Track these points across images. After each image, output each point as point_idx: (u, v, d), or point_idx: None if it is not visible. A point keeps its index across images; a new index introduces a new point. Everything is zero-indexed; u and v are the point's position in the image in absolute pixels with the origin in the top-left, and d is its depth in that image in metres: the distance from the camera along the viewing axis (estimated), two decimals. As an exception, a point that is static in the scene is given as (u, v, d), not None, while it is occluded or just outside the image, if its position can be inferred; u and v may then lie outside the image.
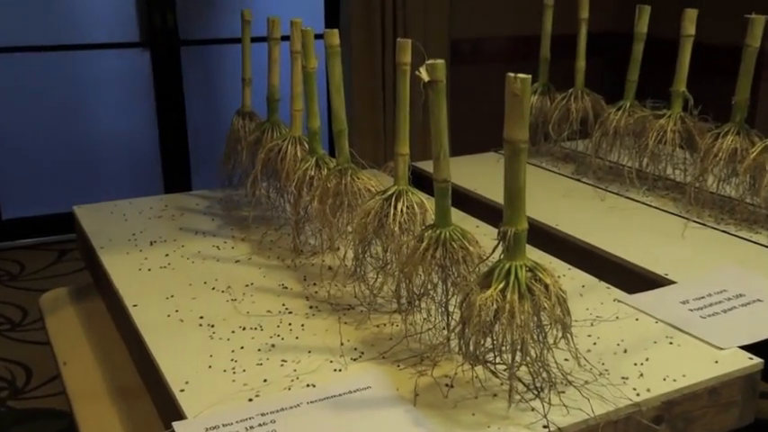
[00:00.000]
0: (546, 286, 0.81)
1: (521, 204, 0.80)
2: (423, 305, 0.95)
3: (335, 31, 1.09)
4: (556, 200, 1.52)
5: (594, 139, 1.60)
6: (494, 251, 0.84)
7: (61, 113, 3.23)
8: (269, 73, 1.43)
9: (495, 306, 0.79)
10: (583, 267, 1.20)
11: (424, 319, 0.97)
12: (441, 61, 0.85)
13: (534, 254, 1.04)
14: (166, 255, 1.27)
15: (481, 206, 1.50)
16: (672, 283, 1.14)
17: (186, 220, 1.44)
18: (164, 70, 3.17)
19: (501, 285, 0.80)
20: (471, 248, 0.91)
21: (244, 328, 1.02)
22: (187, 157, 3.26)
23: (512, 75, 0.75)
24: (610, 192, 1.54)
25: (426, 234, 0.92)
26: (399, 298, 0.97)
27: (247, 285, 1.15)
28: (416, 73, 0.86)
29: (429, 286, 0.92)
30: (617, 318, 1.04)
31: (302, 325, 1.03)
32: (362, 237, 1.03)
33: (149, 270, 1.22)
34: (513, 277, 0.80)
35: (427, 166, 1.67)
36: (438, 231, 0.91)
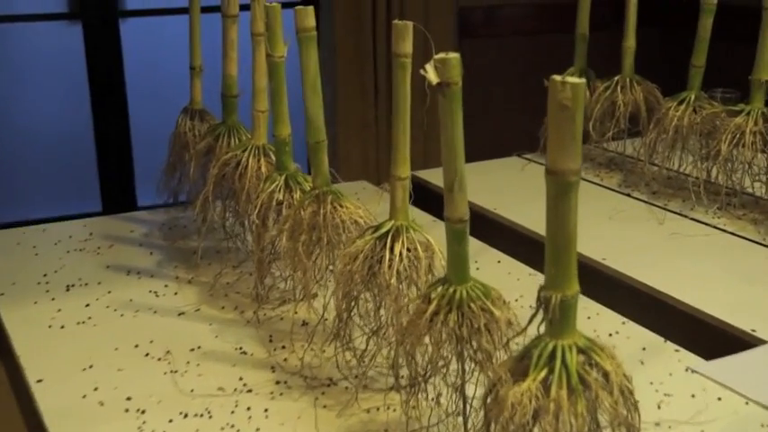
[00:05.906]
0: (605, 375, 0.69)
1: (570, 261, 0.68)
2: (431, 383, 0.85)
3: (310, 8, 0.98)
4: (600, 223, 1.42)
5: (648, 141, 1.51)
6: (530, 323, 0.73)
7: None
8: (224, 59, 1.33)
9: (534, 404, 0.68)
10: (641, 320, 1.11)
11: (432, 400, 0.86)
12: (455, 55, 0.73)
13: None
14: (87, 305, 1.17)
15: (503, 232, 1.41)
16: (763, 343, 1.04)
17: (116, 255, 1.33)
18: (99, 48, 3.07)
19: (542, 374, 0.69)
20: (497, 312, 0.80)
21: (185, 415, 0.93)
22: (130, 160, 3.15)
23: (558, 78, 0.63)
24: (669, 211, 1.45)
25: (436, 293, 0.81)
26: (398, 375, 0.87)
27: (193, 350, 1.06)
28: (421, 72, 0.74)
29: (440, 363, 0.82)
30: (692, 396, 0.94)
31: (265, 410, 0.93)
32: (348, 289, 0.92)
33: (62, 327, 1.12)
34: (558, 363, 0.69)
35: (430, 176, 1.56)
36: (451, 289, 0.80)
